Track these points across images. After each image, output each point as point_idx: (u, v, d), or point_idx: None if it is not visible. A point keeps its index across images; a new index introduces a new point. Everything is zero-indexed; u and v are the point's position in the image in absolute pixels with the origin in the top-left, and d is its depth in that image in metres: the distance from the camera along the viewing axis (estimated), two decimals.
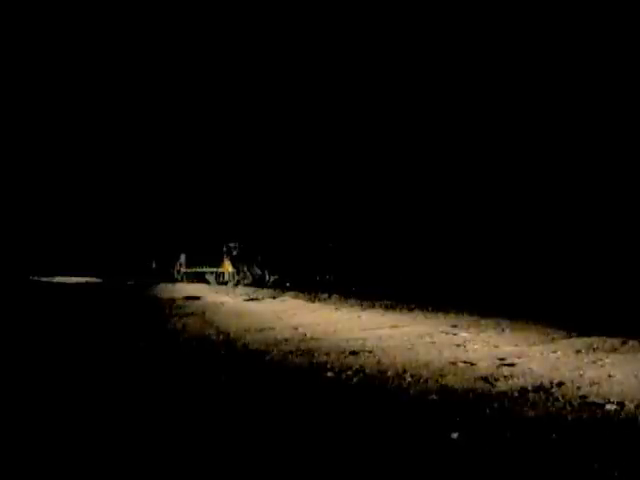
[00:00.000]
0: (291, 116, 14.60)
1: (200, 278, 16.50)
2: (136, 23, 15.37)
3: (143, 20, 15.29)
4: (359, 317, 7.21)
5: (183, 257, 17.45)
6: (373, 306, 8.56)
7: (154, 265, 18.45)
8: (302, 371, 4.00)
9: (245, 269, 15.52)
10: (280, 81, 14.40)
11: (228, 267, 16.03)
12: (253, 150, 15.67)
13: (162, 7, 14.94)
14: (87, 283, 14.82)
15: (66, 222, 19.25)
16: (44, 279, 15.81)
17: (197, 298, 10.41)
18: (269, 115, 15.11)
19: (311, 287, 12.07)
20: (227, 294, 11.85)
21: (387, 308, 8.21)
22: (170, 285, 14.40)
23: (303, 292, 11.48)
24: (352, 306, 8.70)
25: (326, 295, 10.48)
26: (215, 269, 16.39)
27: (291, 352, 4.73)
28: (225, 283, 15.65)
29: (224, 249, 16.12)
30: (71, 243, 19.34)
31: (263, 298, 10.61)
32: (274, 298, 10.56)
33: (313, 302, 9.54)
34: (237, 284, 15.21)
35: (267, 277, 14.57)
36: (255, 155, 15.69)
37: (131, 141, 17.86)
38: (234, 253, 15.97)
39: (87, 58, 16.17)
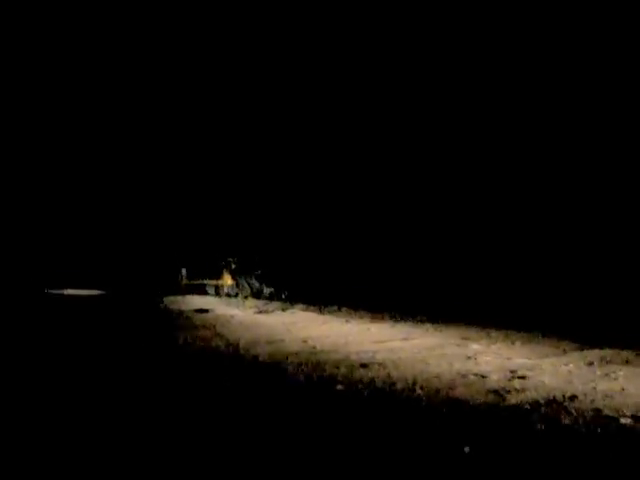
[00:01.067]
0: (288, 128, 14.67)
1: (200, 290, 16.79)
2: (136, 24, 15.44)
3: (143, 21, 15.37)
4: (369, 329, 7.18)
5: (184, 271, 17.98)
6: (383, 318, 8.53)
7: (157, 279, 18.72)
8: (312, 384, 4.00)
9: (244, 282, 15.83)
10: (278, 94, 14.47)
11: (227, 280, 16.39)
12: (251, 167, 15.77)
13: (162, 7, 15.05)
14: (96, 296, 14.89)
15: (72, 236, 19.51)
16: (54, 291, 15.93)
17: (207, 311, 10.43)
18: (266, 128, 15.19)
19: (320, 299, 12.05)
20: (237, 307, 11.86)
21: (397, 320, 8.18)
22: (179, 297, 14.42)
23: (312, 304, 11.46)
24: (362, 318, 8.67)
25: (335, 307, 10.45)
26: (215, 282, 16.75)
27: (301, 364, 4.72)
28: (227, 295, 15.95)
29: (223, 263, 16.57)
30: (77, 257, 19.59)
31: (272, 311, 10.60)
32: (283, 310, 10.55)
33: (322, 314, 9.52)
34: (236, 295, 15.46)
35: (264, 289, 14.82)
36: (253, 171, 15.81)
37: (135, 160, 18.08)
38: (233, 267, 16.37)
39: (88, 61, 16.24)
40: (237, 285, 16.15)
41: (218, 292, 16.31)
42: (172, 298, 14.17)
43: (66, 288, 17.04)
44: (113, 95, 16.70)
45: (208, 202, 17.73)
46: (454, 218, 11.20)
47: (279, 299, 13.45)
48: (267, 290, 14.78)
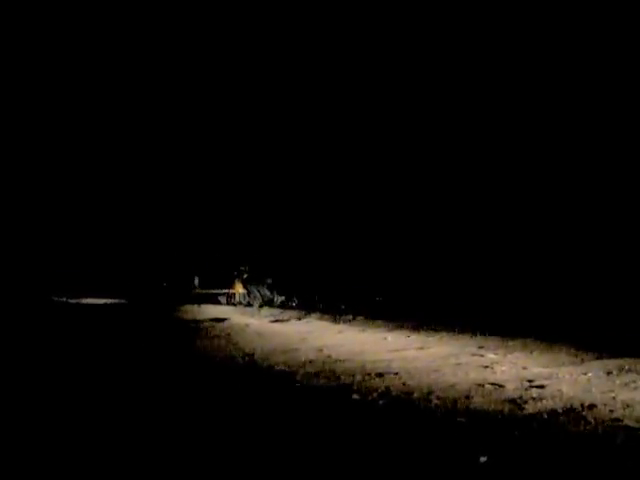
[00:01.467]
0: (299, 137, 14.73)
1: (212, 299, 16.95)
2: (136, 24, 15.49)
3: (143, 21, 15.42)
4: (385, 338, 7.17)
5: (197, 280, 18.20)
6: (399, 327, 8.50)
7: (171, 288, 18.96)
8: (327, 393, 4.01)
9: (255, 291, 15.97)
10: (291, 102, 14.54)
11: (239, 289, 16.57)
12: (262, 176, 15.86)
13: (162, 7, 15.10)
14: (112, 305, 15.06)
15: (89, 245, 19.84)
16: (73, 300, 16.16)
17: (222, 320, 10.48)
18: (277, 137, 15.27)
19: (335, 308, 12.04)
20: (252, 316, 11.90)
21: (413, 329, 8.15)
22: (195, 307, 14.51)
23: (327, 313, 11.46)
24: (377, 327, 8.65)
25: (351, 316, 10.44)
26: (227, 290, 16.94)
27: (316, 374, 4.73)
28: (238, 304, 16.12)
29: (235, 272, 16.77)
30: (94, 266, 19.90)
31: (288, 319, 10.62)
32: (298, 319, 10.57)
33: (338, 323, 9.51)
34: (248, 304, 15.59)
35: (275, 298, 14.92)
36: (264, 180, 15.91)
37: (150, 170, 18.29)
38: (244, 276, 16.55)
39: (89, 63, 16.34)
40: (248, 294, 16.30)
41: (230, 301, 16.47)
42: (187, 307, 14.25)
43: (84, 297, 17.26)
44: (126, 102, 16.85)
45: (220, 211, 17.92)
46: (471, 226, 11.15)
47: (293, 308, 13.50)
48: (278, 299, 14.89)
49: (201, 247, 18.72)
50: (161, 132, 17.40)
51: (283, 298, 14.70)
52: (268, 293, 15.41)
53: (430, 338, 7.12)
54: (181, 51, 15.65)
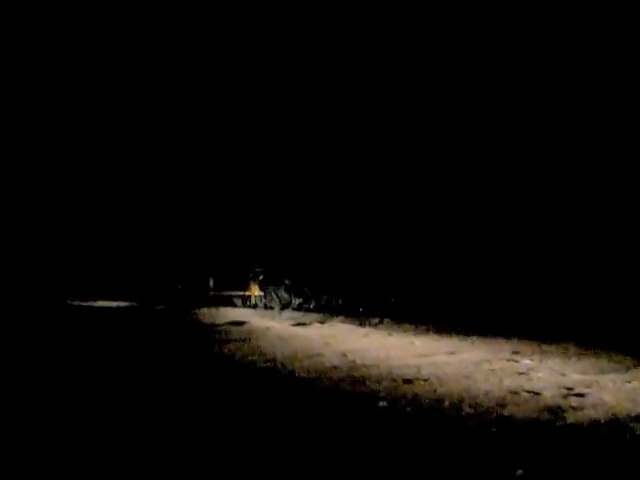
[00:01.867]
0: (312, 136, 15.01)
1: (228, 302, 17.04)
2: (136, 24, 15.82)
3: (143, 21, 15.75)
4: (412, 343, 7.14)
5: (212, 281, 18.33)
6: (428, 331, 8.45)
7: (185, 290, 19.13)
8: (353, 400, 3.99)
9: (272, 293, 16.00)
10: (302, 101, 14.86)
11: (255, 291, 16.65)
12: (278, 175, 16.05)
13: (162, 7, 15.43)
14: (127, 308, 15.26)
15: (100, 245, 20.21)
16: (86, 303, 16.42)
17: (241, 323, 10.53)
18: (289, 137, 15.60)
19: (359, 311, 12.02)
20: (273, 319, 11.95)
21: (442, 333, 8.09)
22: (212, 310, 14.62)
23: (351, 316, 11.45)
24: (405, 331, 8.61)
25: (377, 320, 10.41)
26: (242, 292, 17.02)
27: (341, 380, 4.72)
28: (253, 306, 16.22)
29: (250, 274, 16.84)
30: (107, 267, 20.24)
31: (311, 323, 10.63)
32: (322, 323, 10.57)
33: (363, 327, 9.50)
34: (265, 307, 15.66)
35: (293, 300, 14.93)
36: (280, 180, 16.08)
37: (162, 169, 18.60)
38: (260, 277, 16.62)
39: (89, 64, 16.72)
40: (265, 296, 16.37)
41: (246, 303, 16.58)
42: (205, 310, 14.37)
43: (97, 299, 17.53)
44: (140, 104, 17.28)
45: (234, 211, 18.08)
46: (501, 226, 11.09)
47: (311, 310, 13.52)
48: (296, 301, 14.92)
49: (215, 248, 18.89)
50: (173, 130, 17.75)
51: (301, 300, 14.74)
52: (286, 295, 15.45)
53: (461, 342, 7.07)
54: (193, 54, 16.06)
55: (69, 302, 16.22)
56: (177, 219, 19.66)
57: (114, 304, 16.16)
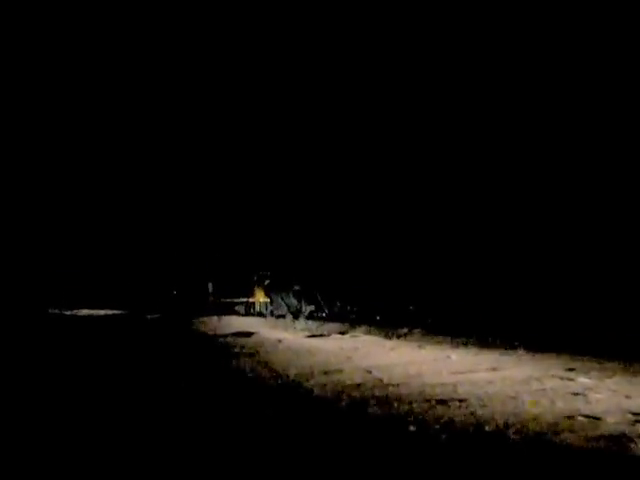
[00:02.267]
0: (317, 135, 15.76)
1: (229, 309, 17.10)
2: (136, 24, 17.08)
3: (143, 21, 17.03)
4: (448, 357, 7.13)
5: (211, 286, 18.37)
6: (465, 343, 8.43)
7: (182, 296, 19.22)
8: (379, 424, 4.00)
9: (279, 299, 16.04)
10: (310, 105, 15.86)
11: (260, 297, 16.71)
12: (282, 172, 16.35)
13: (162, 7, 16.70)
14: (117, 317, 15.41)
15: (86, 248, 20.45)
16: (68, 312, 16.59)
17: (249, 334, 10.61)
18: (294, 138, 16.37)
19: (385, 319, 12.04)
20: (285, 329, 12.01)
21: (483, 346, 8.07)
22: (215, 318, 14.73)
23: (377, 326, 11.46)
24: (438, 343, 8.60)
25: (406, 330, 10.41)
26: (245, 299, 17.07)
27: (364, 401, 4.73)
28: (258, 314, 16.29)
29: (255, 278, 16.89)
30: (93, 272, 20.43)
31: (329, 334, 10.67)
32: (342, 334, 10.60)
33: (390, 339, 9.51)
34: (272, 315, 15.73)
35: (304, 308, 14.98)
36: (285, 176, 16.34)
37: (154, 169, 19.06)
38: (266, 282, 16.67)
39: (90, 66, 18.06)
40: (271, 303, 16.43)
41: (249, 311, 16.65)
42: (205, 319, 14.47)
43: (82, 307, 17.71)
44: (136, 106, 18.33)
45: (235, 209, 18.20)
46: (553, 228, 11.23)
47: (327, 319, 13.56)
48: (307, 308, 14.98)
49: (214, 249, 19.00)
50: (173, 134, 18.39)
51: (312, 308, 14.79)
52: (295, 302, 15.51)
53: (505, 357, 7.04)
54: (194, 55, 17.33)
55: (51, 311, 16.42)
56: (172, 218, 19.83)
57: (101, 312, 16.33)
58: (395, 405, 4.55)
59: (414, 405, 4.52)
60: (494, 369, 6.10)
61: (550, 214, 11.31)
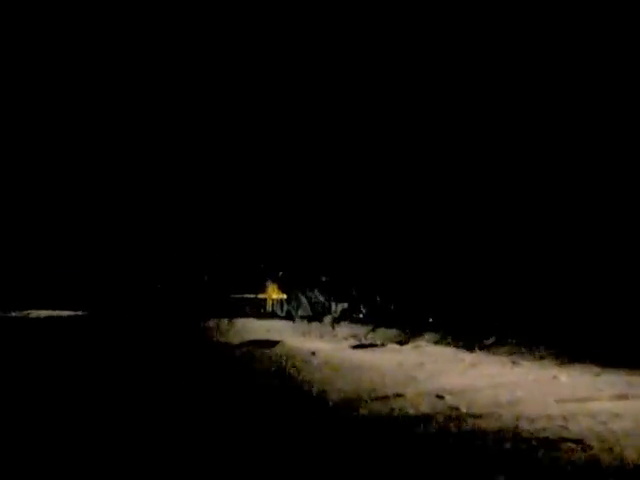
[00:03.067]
0: (327, 130, 17.92)
1: (236, 307, 17.39)
2: (136, 24, 20.59)
3: (143, 21, 20.52)
4: (555, 378, 7.09)
5: (206, 279, 18.73)
6: (579, 360, 8.34)
7: (168, 291, 19.63)
8: (454, 473, 3.94)
9: (301, 296, 16.22)
10: (317, 105, 18.62)
11: (273, 293, 16.97)
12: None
13: (162, 7, 20.16)
14: (71, 318, 15.72)
15: (41, 234, 21.76)
16: (14, 314, 17.00)
17: (270, 344, 10.64)
18: (302, 133, 18.44)
19: (460, 325, 12.04)
20: (320, 337, 12.06)
21: (604, 364, 7.95)
22: (224, 322, 14.87)
23: (449, 333, 11.45)
24: (541, 359, 8.58)
25: (493, 339, 10.33)
26: (254, 295, 17.33)
27: (434, 438, 4.70)
28: (270, 314, 16.59)
29: (263, 266, 17.24)
30: (51, 263, 21.27)
31: (382, 344, 10.68)
32: (400, 343, 10.61)
33: (470, 351, 9.48)
34: (289, 315, 15.97)
35: (333, 306, 15.13)
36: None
37: (154, 161, 20.97)
38: (280, 274, 16.96)
39: (91, 67, 21.47)
40: (289, 300, 16.64)
41: (260, 310, 16.96)
42: (212, 323, 14.61)
43: (36, 308, 18.13)
44: (134, 104, 21.63)
45: (240, 186, 18.84)
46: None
47: (362, 321, 13.67)
48: (337, 307, 15.14)
49: (210, 230, 19.51)
50: (175, 130, 21.30)
51: (345, 306, 14.91)
52: (322, 299, 15.63)
53: (634, 379, 6.97)
54: (194, 55, 20.66)
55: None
56: (153, 197, 20.83)
57: (64, 314, 16.64)
58: (477, 445, 4.50)
59: (505, 446, 4.45)
60: (622, 396, 6.02)
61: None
